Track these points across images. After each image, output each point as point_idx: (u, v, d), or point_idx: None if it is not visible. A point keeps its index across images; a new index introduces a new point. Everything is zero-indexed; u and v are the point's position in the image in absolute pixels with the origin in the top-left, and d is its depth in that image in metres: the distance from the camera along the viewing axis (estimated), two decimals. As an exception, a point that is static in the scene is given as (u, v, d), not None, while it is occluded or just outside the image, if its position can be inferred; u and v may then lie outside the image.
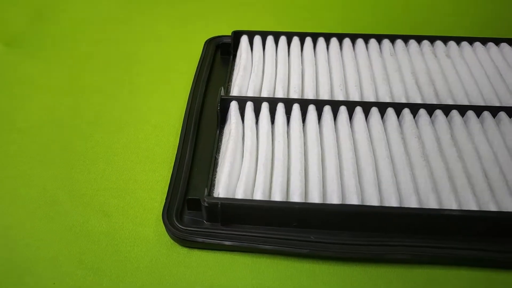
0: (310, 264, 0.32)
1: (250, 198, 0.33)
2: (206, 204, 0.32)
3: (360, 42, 0.49)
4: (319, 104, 0.41)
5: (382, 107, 0.40)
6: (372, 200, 0.33)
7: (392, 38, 0.49)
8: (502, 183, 0.34)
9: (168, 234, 0.33)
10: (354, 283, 0.31)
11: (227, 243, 0.32)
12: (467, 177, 0.35)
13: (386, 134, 0.39)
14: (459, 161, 0.36)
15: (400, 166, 0.36)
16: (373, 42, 0.49)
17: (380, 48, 0.49)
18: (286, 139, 0.38)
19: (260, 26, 0.52)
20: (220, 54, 0.51)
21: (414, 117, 0.40)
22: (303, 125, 0.40)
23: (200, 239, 0.33)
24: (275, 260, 0.33)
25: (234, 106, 0.40)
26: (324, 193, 0.34)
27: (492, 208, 0.32)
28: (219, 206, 0.32)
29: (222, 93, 0.41)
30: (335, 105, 0.41)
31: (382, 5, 0.60)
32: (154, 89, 0.48)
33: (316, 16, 0.59)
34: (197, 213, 0.34)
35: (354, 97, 0.42)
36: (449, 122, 0.40)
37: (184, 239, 0.33)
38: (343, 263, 0.32)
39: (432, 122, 0.40)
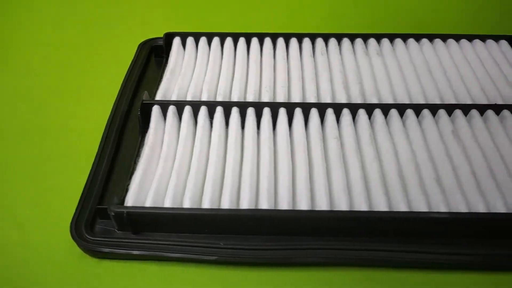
0: (222, 270, 0.32)
1: (160, 206, 0.32)
2: (112, 213, 0.32)
3: (293, 42, 0.49)
4: (243, 107, 0.40)
5: (306, 107, 0.40)
6: (283, 204, 0.33)
7: (326, 37, 0.49)
8: (415, 182, 0.34)
9: (77, 244, 0.33)
10: (264, 288, 0.31)
11: (135, 253, 0.32)
12: (381, 177, 0.34)
13: (307, 136, 0.38)
14: (375, 161, 0.35)
15: (316, 168, 0.35)
16: (306, 41, 0.49)
17: (313, 47, 0.48)
18: (206, 143, 0.37)
19: (204, 27, 0.52)
20: (154, 57, 0.50)
21: (338, 116, 0.40)
22: (226, 128, 0.39)
23: (107, 249, 0.32)
24: (185, 268, 0.32)
25: (155, 110, 0.40)
26: (237, 198, 0.33)
27: (403, 208, 0.32)
28: (125, 215, 0.31)
29: (145, 97, 0.40)
30: (259, 107, 0.40)
31: (317, 4, 0.60)
32: (83, 94, 0.47)
33: (251, 16, 0.58)
34: (110, 222, 0.34)
35: (280, 98, 0.41)
36: (372, 122, 0.40)
37: (92, 250, 0.32)
38: (254, 268, 0.32)
39: (355, 122, 0.40)
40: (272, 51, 0.48)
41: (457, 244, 0.32)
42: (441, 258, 0.31)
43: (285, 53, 0.47)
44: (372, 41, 0.48)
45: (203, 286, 0.31)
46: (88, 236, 0.32)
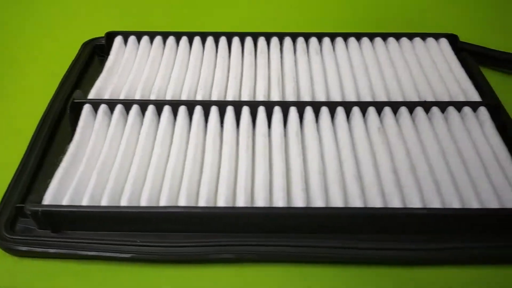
0: (140, 268, 0.32)
1: (77, 204, 0.32)
2: (28, 212, 0.32)
3: (235, 40, 0.49)
4: (175, 105, 0.40)
5: (238, 105, 0.40)
6: (202, 201, 0.33)
7: (268, 36, 0.49)
8: (335, 178, 0.34)
9: (-4, 243, 0.33)
10: (180, 285, 0.31)
11: (51, 251, 0.32)
12: (302, 173, 0.35)
13: (237, 133, 0.39)
14: (298, 158, 0.36)
15: (240, 166, 0.35)
16: (248, 40, 0.49)
17: (255, 46, 0.49)
18: (133, 142, 0.37)
19: (150, 26, 0.52)
20: (98, 56, 0.50)
21: (270, 114, 0.40)
22: (157, 127, 0.39)
23: (25, 248, 0.32)
24: (103, 266, 0.32)
25: (85, 109, 0.40)
26: (157, 196, 0.33)
27: (319, 204, 0.33)
28: (39, 213, 0.31)
29: (76, 96, 0.40)
30: (191, 106, 0.40)
31: (261, 3, 0.60)
32: (20, 93, 0.47)
33: (195, 16, 0.58)
34: (31, 220, 0.34)
35: (214, 96, 0.42)
36: (302, 119, 0.40)
37: (10, 248, 0.32)
38: (171, 265, 0.32)
39: (286, 119, 0.40)
40: (214, 50, 0.48)
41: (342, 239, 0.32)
42: (352, 252, 0.32)
43: (227, 52, 0.48)
44: (313, 40, 0.49)
45: (119, 283, 0.31)
46: (6, 235, 0.32)
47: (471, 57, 0.49)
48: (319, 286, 0.31)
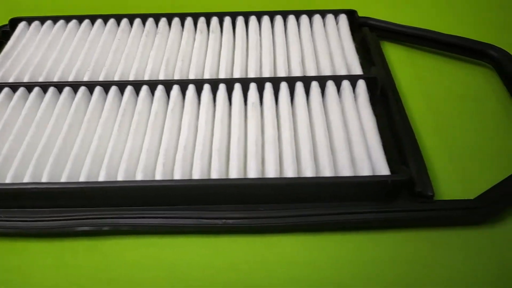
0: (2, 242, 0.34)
1: None
2: None
3: (137, 22, 0.50)
4: (60, 87, 0.41)
5: (122, 85, 0.41)
6: (63, 177, 0.34)
7: (170, 17, 0.50)
8: (200, 151, 0.35)
9: None
10: (41, 257, 0.33)
11: None
12: (167, 148, 0.36)
13: (117, 112, 0.40)
14: (170, 132, 0.37)
15: (111, 142, 0.37)
16: (150, 22, 0.50)
17: (157, 27, 0.49)
18: (12, 123, 0.39)
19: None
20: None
21: (153, 92, 0.41)
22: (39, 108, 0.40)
23: None
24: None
25: (-28, 93, 0.41)
26: (23, 172, 0.35)
27: (177, 177, 0.34)
28: None
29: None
30: (76, 87, 0.41)
31: None
32: None
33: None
34: None
35: (100, 77, 0.43)
36: (184, 96, 0.41)
37: None
38: (33, 240, 0.33)
39: (168, 96, 0.41)
40: (114, 32, 0.49)
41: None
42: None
43: (127, 34, 0.48)
44: (214, 19, 0.50)
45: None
46: None
47: (372, 32, 0.50)
48: (179, 255, 0.32)
